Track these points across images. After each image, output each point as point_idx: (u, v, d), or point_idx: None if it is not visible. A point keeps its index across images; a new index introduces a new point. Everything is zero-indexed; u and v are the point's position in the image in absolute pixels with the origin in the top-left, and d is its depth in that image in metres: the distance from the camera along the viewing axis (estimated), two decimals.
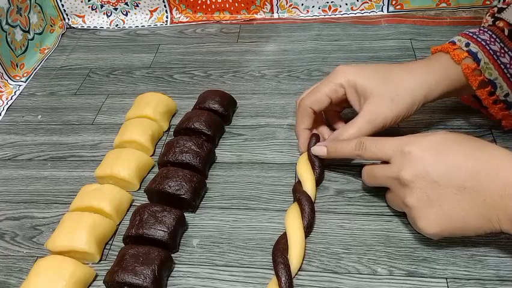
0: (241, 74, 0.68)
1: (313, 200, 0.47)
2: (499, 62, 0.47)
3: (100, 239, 0.45)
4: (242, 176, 0.52)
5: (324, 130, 0.53)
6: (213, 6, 0.80)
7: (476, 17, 0.73)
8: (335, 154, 0.47)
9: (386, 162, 0.43)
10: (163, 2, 0.80)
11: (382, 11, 0.77)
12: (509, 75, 0.47)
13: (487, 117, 0.54)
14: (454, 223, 0.39)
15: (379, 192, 0.48)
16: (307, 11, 0.79)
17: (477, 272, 0.41)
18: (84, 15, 0.83)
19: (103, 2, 0.81)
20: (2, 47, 0.70)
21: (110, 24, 0.82)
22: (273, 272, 0.42)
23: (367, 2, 0.76)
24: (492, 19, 0.51)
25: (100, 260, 0.46)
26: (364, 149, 0.43)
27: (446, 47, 0.48)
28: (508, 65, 0.47)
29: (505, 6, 0.49)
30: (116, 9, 0.82)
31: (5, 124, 0.64)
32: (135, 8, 0.82)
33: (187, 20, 0.81)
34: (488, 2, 0.75)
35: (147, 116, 0.57)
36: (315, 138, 0.50)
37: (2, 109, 0.66)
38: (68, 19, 0.84)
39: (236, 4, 0.79)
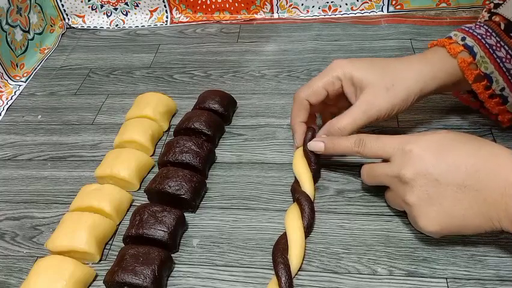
0: (241, 74, 0.68)
1: (312, 199, 0.47)
2: (495, 56, 0.47)
3: (100, 239, 0.45)
4: (242, 176, 0.52)
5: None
6: (213, 6, 0.80)
7: (476, 17, 0.73)
8: (333, 150, 0.46)
9: (385, 160, 0.43)
10: (163, 2, 0.80)
11: (382, 11, 0.77)
12: (505, 69, 0.47)
13: (486, 117, 0.54)
14: (454, 221, 0.39)
15: (379, 192, 0.48)
16: (307, 11, 0.79)
17: (477, 272, 0.41)
18: (84, 15, 0.83)
19: (103, 2, 0.81)
20: (2, 47, 0.70)
21: (110, 24, 0.82)
22: (273, 272, 0.42)
23: (367, 2, 0.76)
24: (488, 14, 0.51)
25: (100, 260, 0.46)
26: (364, 146, 0.43)
27: (442, 41, 0.49)
28: (503, 59, 0.47)
29: (501, 2, 0.49)
30: (116, 9, 0.82)
31: (5, 124, 0.64)
32: (135, 8, 0.82)
33: (187, 20, 0.81)
34: (488, 2, 0.74)
35: (147, 116, 0.57)
36: (312, 132, 0.49)
37: (2, 109, 0.66)
38: (68, 19, 0.84)
39: (236, 4, 0.79)
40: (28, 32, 0.76)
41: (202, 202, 0.50)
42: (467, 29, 0.49)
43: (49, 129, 0.62)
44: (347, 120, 0.47)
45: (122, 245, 0.46)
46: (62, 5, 0.82)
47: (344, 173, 0.51)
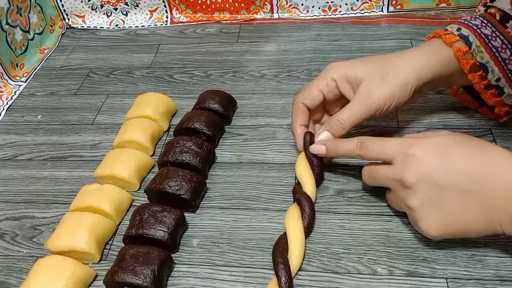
0: (241, 74, 0.68)
1: (313, 201, 0.47)
2: (491, 46, 0.47)
3: (100, 239, 0.45)
4: (242, 176, 0.52)
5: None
6: (213, 6, 0.80)
7: None
8: (335, 153, 0.47)
9: (387, 162, 0.43)
10: (163, 2, 0.80)
11: (382, 11, 0.77)
12: (500, 59, 0.47)
13: (485, 117, 0.54)
14: (456, 225, 0.39)
15: (379, 192, 0.48)
16: (307, 11, 0.79)
17: (477, 272, 0.41)
18: (84, 15, 0.83)
19: (103, 2, 0.81)
20: (2, 47, 0.70)
21: (110, 24, 0.82)
22: (273, 272, 0.42)
23: (367, 2, 0.76)
24: (484, 8, 0.51)
25: (100, 260, 0.46)
26: (365, 149, 0.43)
27: (438, 32, 0.49)
28: (499, 49, 0.47)
29: None
30: (116, 9, 0.82)
31: (5, 124, 0.64)
32: (135, 8, 0.82)
33: (187, 20, 0.81)
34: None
35: (147, 116, 0.57)
36: (309, 136, 0.50)
37: (2, 109, 0.66)
38: (68, 19, 0.84)
39: (236, 4, 0.79)
40: (28, 32, 0.76)
41: (202, 202, 0.50)
42: (462, 20, 0.49)
43: (49, 129, 0.62)
44: (346, 113, 0.47)
45: (122, 245, 0.46)
46: (62, 5, 0.82)
47: (344, 173, 0.51)
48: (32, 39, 0.77)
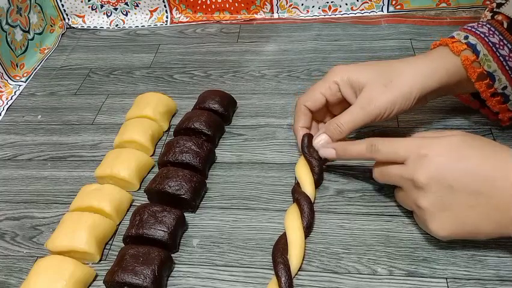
0: (241, 74, 0.68)
1: (312, 201, 0.47)
2: (498, 54, 0.46)
3: (100, 239, 0.45)
4: (242, 176, 0.52)
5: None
6: (213, 6, 0.80)
7: (476, 17, 0.73)
8: (344, 156, 0.46)
9: (398, 161, 0.42)
10: (163, 2, 0.80)
11: (382, 11, 0.77)
12: (507, 68, 0.47)
13: (486, 117, 0.54)
14: (466, 227, 0.39)
15: (379, 192, 0.48)
16: (307, 11, 0.79)
17: (477, 272, 0.41)
18: (84, 15, 0.83)
19: (103, 2, 0.81)
20: (2, 47, 0.70)
21: (110, 24, 0.82)
22: (273, 272, 0.42)
23: (367, 2, 0.76)
24: (491, 14, 0.51)
25: (100, 260, 0.46)
26: (377, 151, 0.43)
27: (445, 40, 0.48)
28: (506, 58, 0.47)
29: (504, 1, 0.49)
30: (116, 9, 0.82)
31: (5, 124, 0.64)
32: (135, 8, 0.82)
33: (187, 20, 0.81)
34: (488, 2, 0.74)
35: (147, 116, 0.57)
36: (307, 138, 0.50)
37: (2, 109, 0.66)
38: (68, 19, 0.84)
39: (236, 4, 0.79)
40: (28, 32, 0.76)
41: (202, 202, 0.50)
42: (469, 28, 0.49)
43: (49, 129, 0.62)
44: (346, 117, 0.47)
45: (122, 245, 0.46)
46: (62, 5, 0.82)
47: (344, 173, 0.51)
48: (32, 39, 0.77)
